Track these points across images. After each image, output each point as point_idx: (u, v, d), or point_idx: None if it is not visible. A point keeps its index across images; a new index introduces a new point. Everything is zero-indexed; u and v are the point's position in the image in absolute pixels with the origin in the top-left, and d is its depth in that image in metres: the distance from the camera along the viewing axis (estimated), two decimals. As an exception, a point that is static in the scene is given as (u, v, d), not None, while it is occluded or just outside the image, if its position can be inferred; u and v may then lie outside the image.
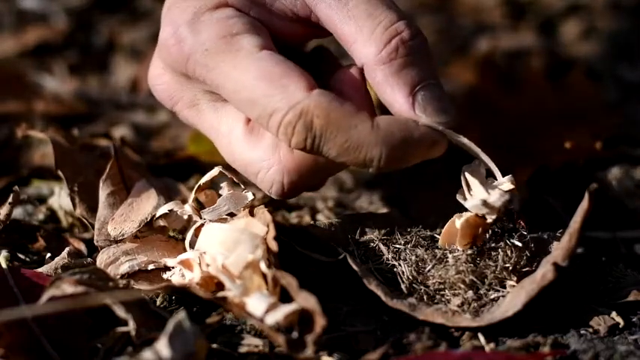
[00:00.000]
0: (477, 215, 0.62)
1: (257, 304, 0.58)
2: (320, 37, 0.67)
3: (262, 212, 0.64)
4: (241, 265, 0.60)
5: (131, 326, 0.57)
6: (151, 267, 0.64)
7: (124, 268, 0.63)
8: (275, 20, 0.64)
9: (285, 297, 0.59)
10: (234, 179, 0.66)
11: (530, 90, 0.93)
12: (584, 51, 1.04)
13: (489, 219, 0.62)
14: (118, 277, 0.63)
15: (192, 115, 0.67)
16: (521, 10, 1.16)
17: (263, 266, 0.60)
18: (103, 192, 0.69)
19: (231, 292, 0.59)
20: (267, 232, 0.62)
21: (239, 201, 0.65)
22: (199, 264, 0.62)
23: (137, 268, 0.63)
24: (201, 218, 0.65)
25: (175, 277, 0.63)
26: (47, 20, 1.14)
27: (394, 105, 0.62)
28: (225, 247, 0.62)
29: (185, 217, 0.66)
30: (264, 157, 0.64)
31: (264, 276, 0.60)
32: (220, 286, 0.61)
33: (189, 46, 0.62)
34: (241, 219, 0.64)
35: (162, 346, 0.53)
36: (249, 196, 0.65)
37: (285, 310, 0.57)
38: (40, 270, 0.65)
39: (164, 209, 0.66)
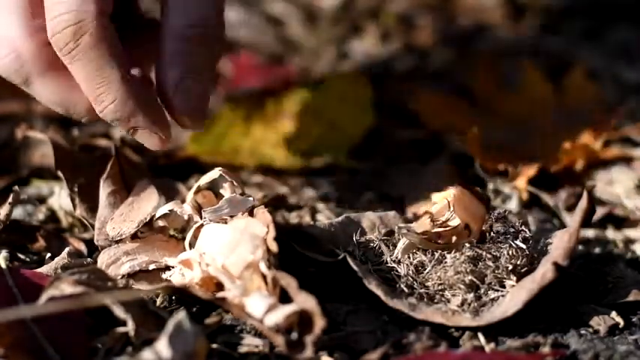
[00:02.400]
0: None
1: (257, 304, 0.58)
2: None
3: (262, 213, 0.64)
4: (241, 266, 0.60)
5: (130, 326, 0.57)
6: (152, 267, 0.64)
7: (125, 268, 0.63)
8: None
9: (284, 297, 0.59)
10: (234, 182, 0.66)
11: (530, 90, 0.93)
12: (584, 51, 1.05)
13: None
14: (119, 277, 0.63)
15: None
16: (521, 10, 1.16)
17: (263, 267, 0.60)
18: (104, 191, 0.69)
19: (230, 292, 0.59)
20: (267, 233, 0.62)
21: (241, 204, 0.65)
22: (199, 264, 0.62)
23: (138, 268, 0.63)
24: (201, 218, 0.65)
25: (175, 276, 0.63)
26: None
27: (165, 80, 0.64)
28: (225, 248, 0.62)
29: (185, 216, 0.66)
30: None
31: (263, 277, 0.60)
32: (220, 286, 0.61)
33: None
34: (241, 219, 0.64)
35: (163, 346, 0.53)
36: (251, 200, 0.65)
37: (285, 311, 0.57)
38: (40, 270, 0.65)
39: (164, 209, 0.66)
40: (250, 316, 0.58)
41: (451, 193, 0.63)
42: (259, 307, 0.58)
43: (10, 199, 0.69)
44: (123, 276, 0.63)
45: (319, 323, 0.57)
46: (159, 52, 0.65)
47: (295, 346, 0.57)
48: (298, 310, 0.57)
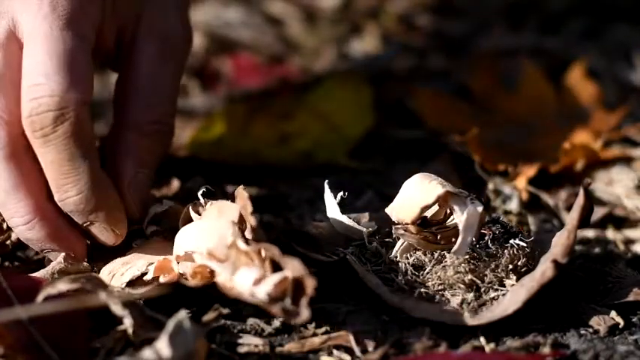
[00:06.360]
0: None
1: (244, 279, 0.58)
2: None
3: (240, 192, 0.64)
4: (224, 248, 0.60)
5: (128, 323, 0.57)
6: (151, 268, 0.64)
7: (127, 277, 0.63)
8: None
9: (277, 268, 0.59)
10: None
11: (530, 90, 0.93)
12: (584, 51, 1.04)
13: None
14: (124, 285, 0.63)
15: None
16: (521, 10, 1.16)
17: (241, 244, 0.60)
18: None
19: (222, 276, 0.59)
20: (244, 210, 0.62)
21: (477, 222, 0.62)
22: (176, 263, 0.62)
23: (139, 272, 0.63)
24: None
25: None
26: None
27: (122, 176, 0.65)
28: (207, 237, 0.61)
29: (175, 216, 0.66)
30: None
31: (247, 254, 0.60)
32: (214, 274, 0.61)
33: None
34: (213, 207, 0.64)
35: (163, 345, 0.53)
36: (479, 208, 0.62)
37: (274, 279, 0.57)
38: (35, 274, 0.64)
39: (153, 210, 0.66)
40: (241, 293, 0.58)
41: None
42: (247, 281, 0.58)
43: None
44: (128, 284, 0.63)
45: (310, 283, 0.57)
46: (117, 142, 0.66)
47: (291, 313, 0.57)
48: (286, 275, 0.57)
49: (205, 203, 0.66)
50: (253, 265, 0.59)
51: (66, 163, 0.61)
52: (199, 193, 0.66)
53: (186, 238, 0.63)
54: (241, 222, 0.63)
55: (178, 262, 0.62)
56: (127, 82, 0.68)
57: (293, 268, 0.58)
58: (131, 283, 0.63)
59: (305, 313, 0.57)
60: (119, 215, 0.64)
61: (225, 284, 0.59)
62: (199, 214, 0.65)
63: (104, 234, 0.64)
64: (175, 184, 0.75)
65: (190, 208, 0.66)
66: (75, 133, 0.60)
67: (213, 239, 0.61)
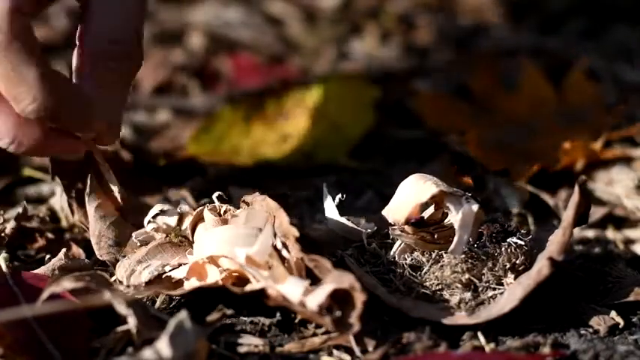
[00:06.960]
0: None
1: (293, 289, 0.58)
2: None
3: (264, 200, 0.64)
4: (266, 254, 0.60)
5: (132, 323, 0.57)
6: (167, 269, 0.63)
7: (145, 275, 0.63)
8: None
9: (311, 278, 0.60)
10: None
11: (530, 90, 0.93)
12: (584, 51, 1.05)
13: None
14: (143, 285, 0.62)
15: None
16: (521, 10, 1.16)
17: (285, 253, 0.60)
18: (90, 206, 0.69)
19: (261, 283, 0.59)
20: (280, 220, 0.62)
21: (472, 221, 0.62)
22: (216, 266, 0.61)
23: (156, 272, 0.63)
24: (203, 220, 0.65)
25: (192, 282, 0.62)
26: (47, 20, 1.14)
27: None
28: (239, 243, 0.61)
29: (174, 218, 0.66)
30: None
31: (283, 262, 0.60)
32: (242, 280, 0.61)
33: None
34: (239, 216, 0.64)
35: (163, 345, 0.53)
36: (474, 207, 0.62)
37: (326, 290, 0.58)
38: (37, 271, 0.64)
39: (150, 214, 0.66)
40: (289, 302, 0.58)
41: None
42: (297, 291, 0.58)
43: (17, 214, 0.70)
44: (147, 283, 0.62)
45: (360, 297, 0.57)
46: (80, 70, 0.64)
47: (342, 324, 0.57)
48: (339, 287, 0.58)
49: (220, 207, 0.65)
50: (294, 275, 0.59)
51: (10, 74, 0.59)
52: (214, 196, 0.66)
53: (215, 241, 0.63)
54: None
55: (213, 264, 0.62)
56: (86, 11, 0.65)
57: (345, 281, 0.58)
58: (150, 282, 0.63)
59: (357, 325, 0.57)
60: (87, 111, 0.63)
61: (268, 291, 0.59)
62: (220, 219, 0.65)
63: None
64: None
65: (207, 210, 0.65)
66: (10, 43, 0.58)
67: (252, 245, 0.61)
